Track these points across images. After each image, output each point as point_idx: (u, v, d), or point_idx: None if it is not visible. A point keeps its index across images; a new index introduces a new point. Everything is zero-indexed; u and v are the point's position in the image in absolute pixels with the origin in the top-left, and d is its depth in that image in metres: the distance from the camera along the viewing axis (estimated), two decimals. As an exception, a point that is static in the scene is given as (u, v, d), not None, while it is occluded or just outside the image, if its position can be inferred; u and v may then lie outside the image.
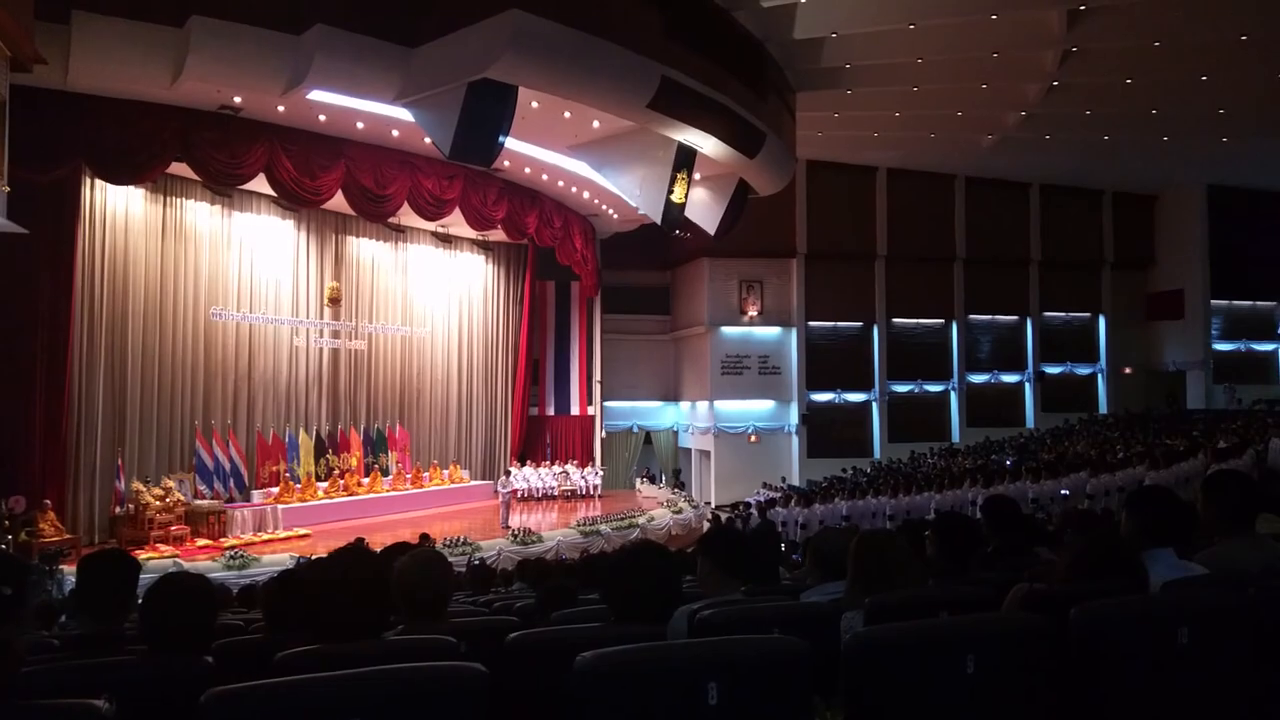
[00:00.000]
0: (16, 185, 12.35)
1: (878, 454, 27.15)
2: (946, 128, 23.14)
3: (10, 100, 12.14)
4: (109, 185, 15.81)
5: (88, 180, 15.45)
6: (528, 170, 19.53)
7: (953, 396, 28.82)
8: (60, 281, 14.71)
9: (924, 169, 27.37)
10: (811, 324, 27.61)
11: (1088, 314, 30.39)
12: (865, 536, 3.12)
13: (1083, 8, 16.03)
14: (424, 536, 12.66)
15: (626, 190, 18.81)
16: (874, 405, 28.12)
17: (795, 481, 24.66)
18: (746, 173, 19.00)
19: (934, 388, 28.72)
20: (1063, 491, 14.30)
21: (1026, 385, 29.54)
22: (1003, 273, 29.09)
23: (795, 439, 27.28)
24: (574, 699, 1.68)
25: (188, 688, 1.52)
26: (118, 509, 15.93)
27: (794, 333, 27.44)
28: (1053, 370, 29.63)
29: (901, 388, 28.30)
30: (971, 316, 29.12)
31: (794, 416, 27.33)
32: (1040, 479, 15.17)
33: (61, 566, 12.11)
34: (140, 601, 2.67)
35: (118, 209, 16.45)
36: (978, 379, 29.09)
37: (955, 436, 28.11)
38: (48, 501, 14.16)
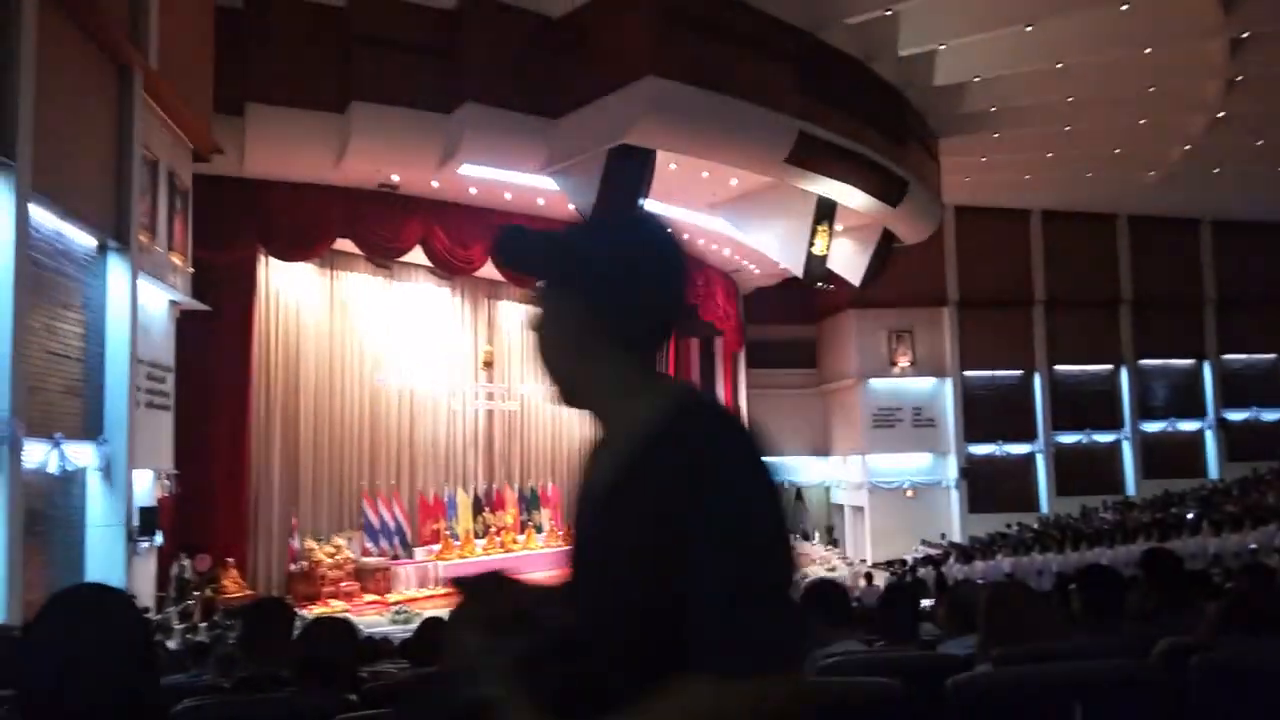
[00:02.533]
0: (199, 267, 13.53)
1: (1045, 508, 25.76)
2: (1104, 166, 22.17)
3: (192, 188, 13.36)
4: (281, 263, 17.02)
5: (262, 259, 16.67)
6: (669, 230, 19.83)
7: (1125, 446, 27.13)
8: (240, 354, 15.85)
9: (1082, 209, 26.25)
10: (967, 373, 26.67)
11: (1274, 355, 28.14)
12: (995, 588, 3.02)
13: (1245, 35, 15.19)
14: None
15: (767, 246, 18.86)
16: (1038, 457, 26.77)
17: (956, 538, 23.68)
18: (890, 222, 18.73)
19: (1104, 437, 27.11)
20: (1250, 546, 13.20)
21: (1207, 433, 27.51)
22: (1175, 314, 27.35)
23: (955, 493, 26.23)
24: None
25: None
26: (293, 566, 16.82)
27: (948, 383, 26.56)
28: (1236, 416, 27.50)
29: (1068, 438, 26.85)
30: (1142, 361, 27.44)
31: (952, 470, 26.32)
32: (1222, 533, 14.05)
33: (241, 621, 12.88)
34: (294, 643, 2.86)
35: (288, 285, 17.65)
36: (1152, 427, 27.29)
37: (1130, 489, 26.39)
38: (230, 560, 15.10)
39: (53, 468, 9.13)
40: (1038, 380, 26.90)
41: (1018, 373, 27.03)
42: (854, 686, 1.90)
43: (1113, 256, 27.13)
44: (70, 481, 10.00)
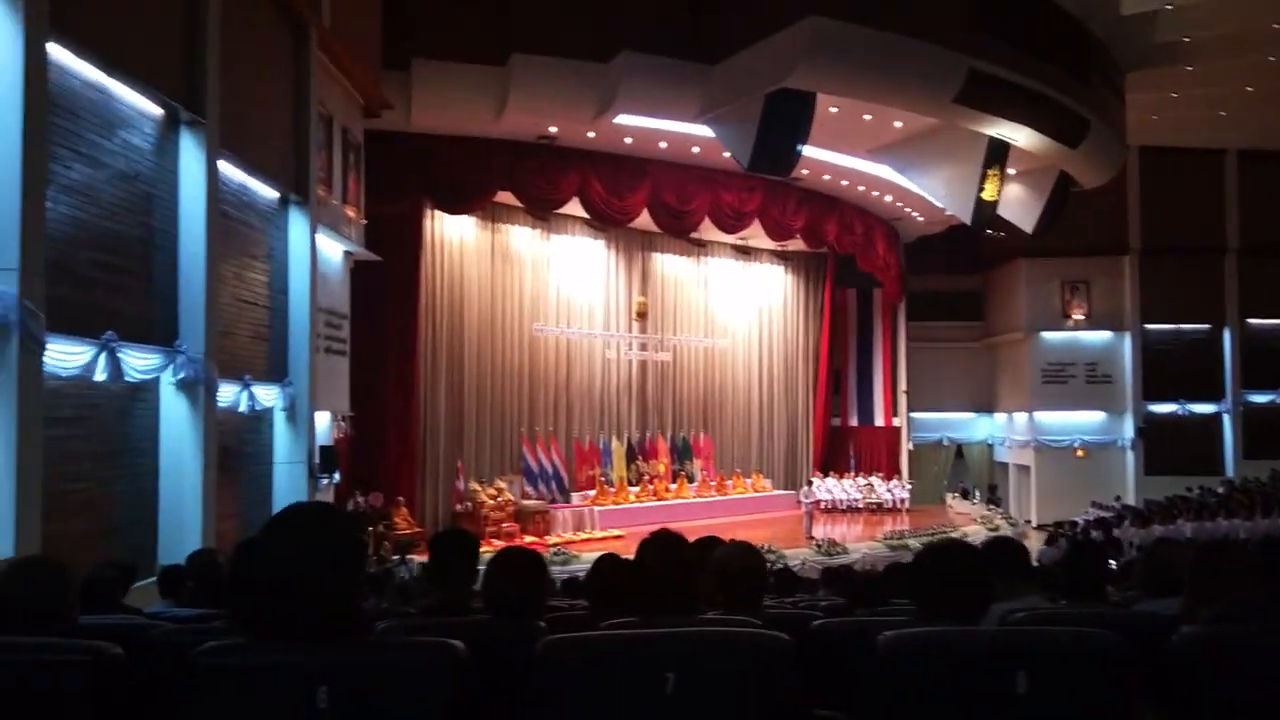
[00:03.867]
0: (371, 218, 14.11)
1: (1230, 472, 23.98)
2: (1313, 99, 20.11)
3: (364, 143, 13.88)
4: (445, 215, 17.54)
5: (429, 211, 17.22)
6: (826, 177, 19.33)
7: (1325, 407, 24.89)
8: (408, 303, 16.50)
9: (1284, 148, 23.97)
10: (1148, 327, 24.96)
11: None
12: (1208, 545, 2.76)
13: None
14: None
15: (932, 191, 18.09)
16: (1225, 417, 24.89)
17: (1130, 501, 22.39)
18: (1068, 164, 17.61)
19: (1302, 397, 24.94)
20: None
21: None
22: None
23: (1130, 454, 24.76)
24: (876, 677, 1.62)
25: (525, 649, 1.63)
26: (458, 506, 17.54)
27: (1127, 337, 24.95)
28: None
29: (1260, 397, 24.79)
30: (1351, 314, 25.00)
31: (1128, 429, 24.83)
32: None
33: (411, 556, 13.56)
34: (483, 573, 2.91)
35: (452, 236, 18.20)
36: (1357, 386, 24.89)
37: (1328, 453, 24.23)
38: (400, 499, 15.89)
39: (243, 407, 9.77)
40: (1227, 334, 24.93)
41: (1205, 326, 25.10)
42: (1058, 634, 1.76)
43: (1318, 199, 24.72)
44: (258, 421, 10.69)
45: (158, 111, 8.30)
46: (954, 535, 17.92)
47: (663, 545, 2.43)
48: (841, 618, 2.40)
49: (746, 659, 1.59)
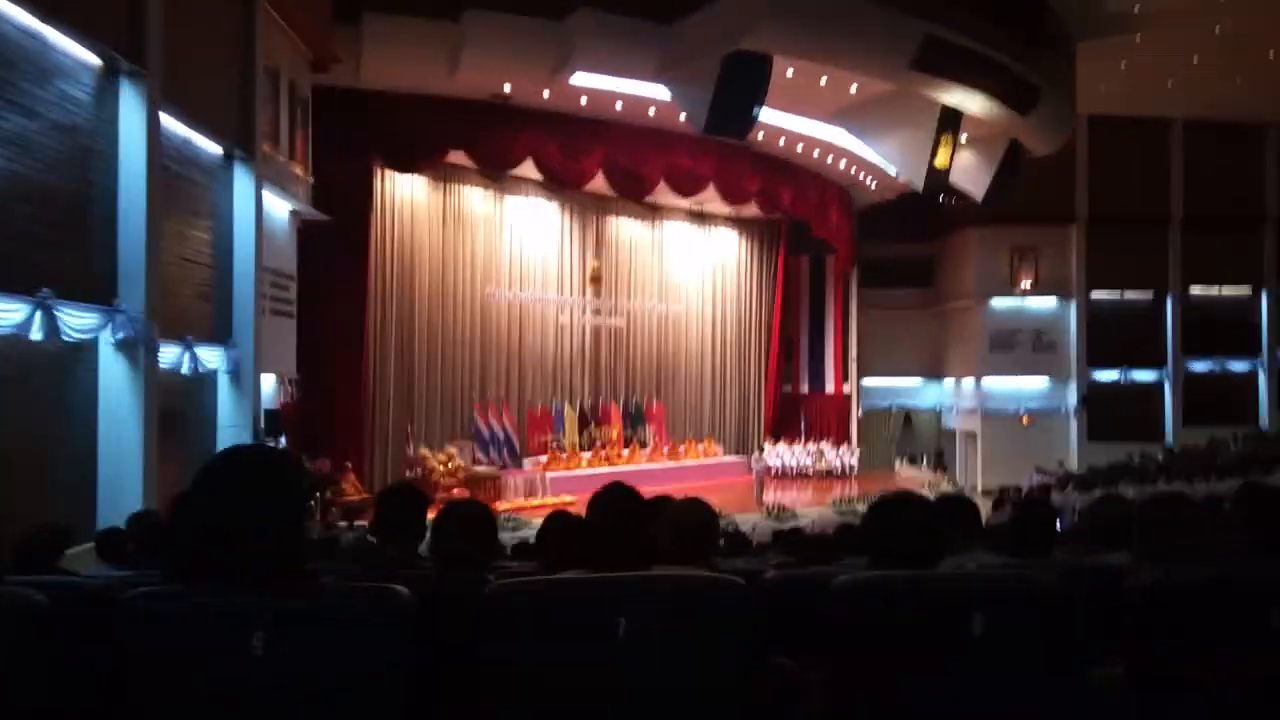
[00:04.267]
0: (319, 177, 13.78)
1: (1170, 439, 24.62)
2: (1255, 71, 20.42)
3: (312, 99, 13.53)
4: (396, 174, 17.20)
5: (379, 171, 16.87)
6: (782, 142, 19.27)
7: (1261, 375, 25.57)
8: (357, 265, 16.19)
9: (1228, 119, 24.36)
10: (1094, 295, 25.40)
11: None
12: (1155, 497, 2.79)
13: None
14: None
15: (886, 157, 18.15)
16: (1166, 385, 25.50)
17: (1074, 467, 22.89)
18: (1019, 132, 17.74)
19: (1239, 365, 25.58)
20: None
21: (1356, 363, 25.69)
22: (1330, 234, 25.36)
23: (1073, 421, 25.28)
24: (830, 621, 1.60)
25: (472, 601, 1.57)
26: (408, 472, 17.34)
27: (1073, 305, 25.36)
28: (1392, 346, 25.57)
29: (1200, 365, 25.44)
30: (1287, 284, 25.67)
31: (1072, 396, 25.32)
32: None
33: (361, 521, 13.41)
34: (431, 525, 2.83)
35: (403, 197, 17.86)
36: (1294, 355, 25.65)
37: (1264, 421, 24.96)
38: (348, 464, 15.67)
39: (185, 369, 9.53)
40: (1169, 303, 25.48)
41: (1148, 295, 25.63)
42: (1014, 577, 1.75)
43: (1259, 171, 25.20)
44: (201, 383, 10.45)
45: (96, 61, 8.00)
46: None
47: (614, 498, 2.38)
48: (794, 569, 2.39)
49: (700, 603, 1.56)
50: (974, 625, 1.54)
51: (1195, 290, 25.58)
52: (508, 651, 1.50)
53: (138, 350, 8.25)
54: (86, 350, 7.97)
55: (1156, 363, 25.48)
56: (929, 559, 2.26)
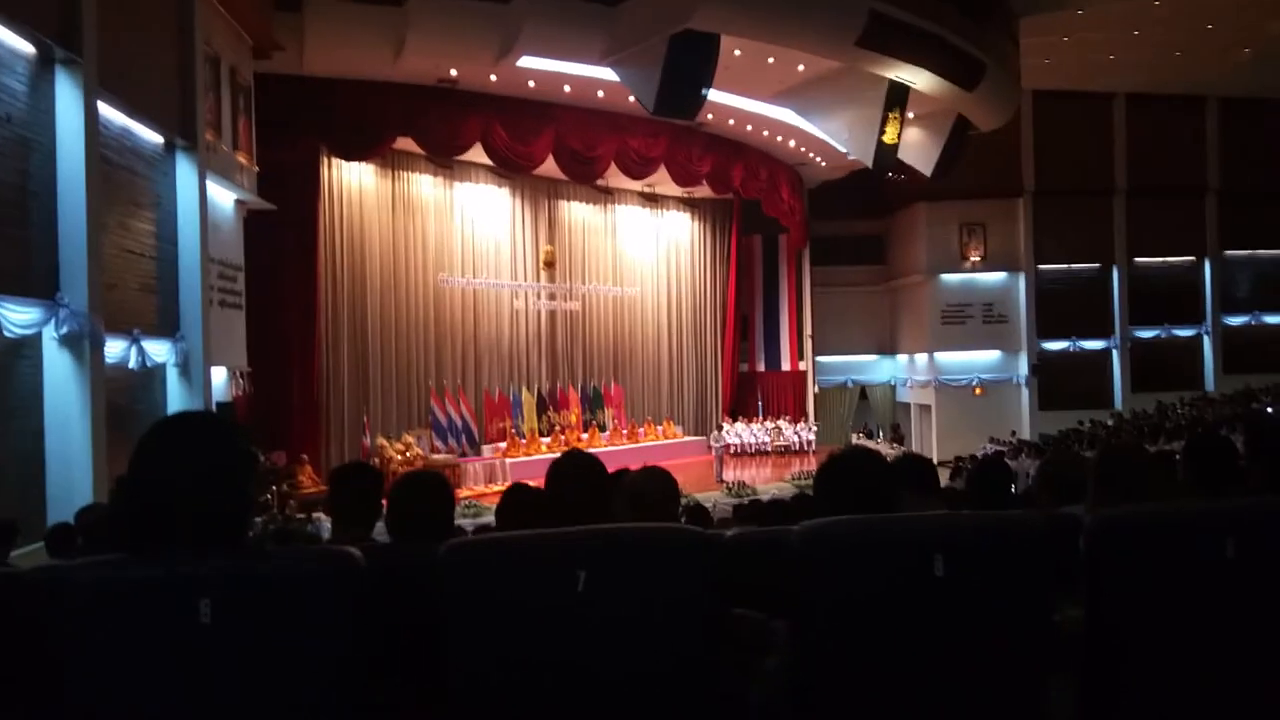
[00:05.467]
0: (264, 166, 13.52)
1: (1119, 404, 25.16)
2: (1195, 44, 20.82)
3: (254, 86, 13.26)
4: (344, 162, 16.95)
5: (325, 159, 16.61)
6: (732, 122, 19.30)
7: (1205, 341, 26.20)
8: (306, 254, 15.94)
9: (1169, 92, 24.82)
10: (1042, 267, 25.81)
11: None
12: (1109, 446, 2.84)
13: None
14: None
15: (835, 135, 18.25)
16: (1114, 353, 26.04)
17: (1026, 435, 23.31)
18: (965, 107, 17.93)
19: (1184, 332, 26.19)
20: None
21: (1293, 326, 26.41)
22: (1265, 203, 25.90)
23: (1025, 391, 25.74)
24: (790, 568, 1.60)
25: (426, 571, 1.55)
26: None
27: (1022, 277, 25.78)
28: (1326, 309, 26.31)
29: (1146, 333, 26.01)
30: (1229, 253, 26.21)
31: (1023, 367, 25.77)
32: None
33: (318, 515, 13.25)
34: (387, 498, 2.79)
35: (352, 184, 17.62)
36: (1236, 321, 26.24)
37: (1209, 385, 25.59)
38: (304, 456, 15.47)
39: (133, 363, 9.34)
40: (1116, 273, 26.00)
41: (1095, 266, 26.13)
42: (975, 517, 1.77)
43: (1200, 142, 25.77)
44: (150, 378, 10.24)
45: (30, 49, 7.76)
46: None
47: (573, 465, 2.38)
48: (753, 530, 2.40)
49: (660, 552, 1.55)
50: (936, 566, 1.55)
51: (1140, 260, 26.10)
52: (463, 609, 1.49)
53: (82, 345, 8.05)
54: (30, 346, 7.77)
55: (1104, 332, 26.00)
56: (885, 508, 2.27)
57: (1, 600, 1.91)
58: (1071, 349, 25.89)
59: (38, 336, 7.76)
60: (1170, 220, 25.71)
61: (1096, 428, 20.73)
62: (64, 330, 7.82)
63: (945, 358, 26.04)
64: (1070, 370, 25.85)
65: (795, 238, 24.94)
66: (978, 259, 25.79)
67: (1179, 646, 1.70)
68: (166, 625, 1.31)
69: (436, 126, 16.41)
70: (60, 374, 8.00)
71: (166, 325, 10.45)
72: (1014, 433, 23.31)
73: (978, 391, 25.80)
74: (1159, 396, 23.36)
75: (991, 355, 26.04)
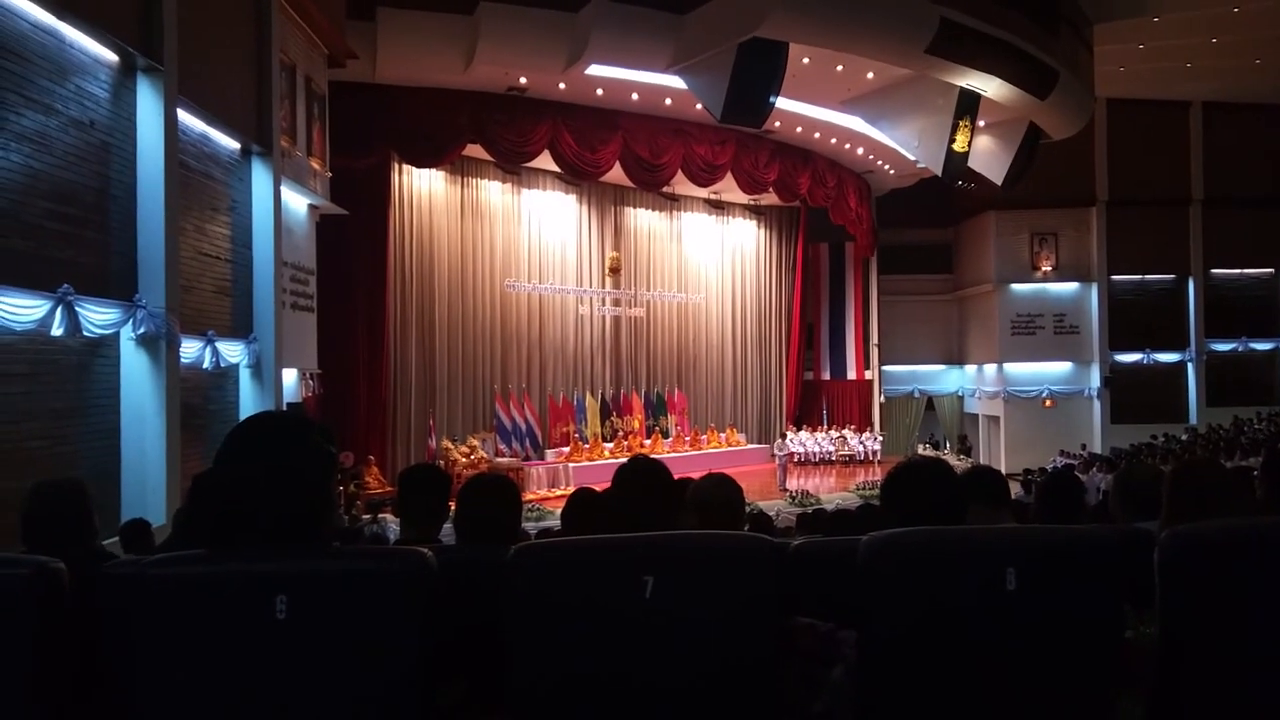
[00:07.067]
0: (336, 172, 13.83)
1: (1194, 419, 24.40)
2: (1275, 50, 20.13)
3: (328, 94, 13.58)
4: (414, 169, 17.25)
5: (396, 165, 16.92)
6: (799, 129, 19.19)
7: (1284, 355, 25.30)
8: (376, 259, 16.27)
9: (1249, 100, 24.04)
10: (1115, 278, 25.16)
11: None
12: (1185, 462, 2.76)
13: None
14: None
15: (904, 143, 18.03)
16: (1189, 366, 25.25)
17: (1097, 449, 22.72)
18: (1037, 116, 17.59)
19: (1262, 346, 25.26)
20: None
21: (1379, 342, 25.33)
22: (1352, 213, 24.95)
23: (1096, 403, 25.09)
24: (859, 580, 1.59)
25: (494, 572, 1.57)
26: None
27: (1094, 288, 25.16)
28: None
29: (1222, 346, 25.16)
30: (1308, 265, 25.34)
31: (1095, 379, 25.13)
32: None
33: (384, 515, 13.49)
34: (455, 500, 2.83)
35: (421, 190, 17.92)
36: (1318, 335, 25.32)
37: (1288, 400, 24.68)
38: (371, 457, 15.77)
39: (207, 364, 9.60)
40: (1191, 285, 25.22)
41: (1170, 277, 25.38)
42: (1047, 530, 1.74)
43: (1279, 152, 24.94)
44: (223, 378, 10.52)
45: (113, 57, 8.03)
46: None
47: (639, 470, 2.38)
48: (819, 540, 2.38)
49: (728, 560, 1.55)
50: (1008, 580, 1.53)
51: (1216, 271, 25.30)
52: (531, 612, 1.50)
53: (159, 345, 8.29)
54: (108, 346, 8.02)
55: (1179, 344, 25.24)
56: (954, 519, 2.24)
57: (85, 593, 1.98)
58: (1145, 361, 25.18)
59: (116, 336, 8.01)
60: (1249, 231, 24.84)
61: (1170, 442, 20.14)
62: (141, 330, 8.06)
63: (1014, 368, 25.53)
64: (1143, 383, 25.14)
65: (862, 245, 24.68)
66: (1049, 269, 25.25)
67: (1254, 667, 1.65)
68: (243, 620, 1.35)
69: (505, 134, 16.62)
70: (137, 373, 8.24)
71: (240, 327, 10.73)
72: (1084, 446, 22.78)
73: (1047, 404, 25.24)
74: (1236, 411, 22.60)
75: (1062, 367, 25.46)
